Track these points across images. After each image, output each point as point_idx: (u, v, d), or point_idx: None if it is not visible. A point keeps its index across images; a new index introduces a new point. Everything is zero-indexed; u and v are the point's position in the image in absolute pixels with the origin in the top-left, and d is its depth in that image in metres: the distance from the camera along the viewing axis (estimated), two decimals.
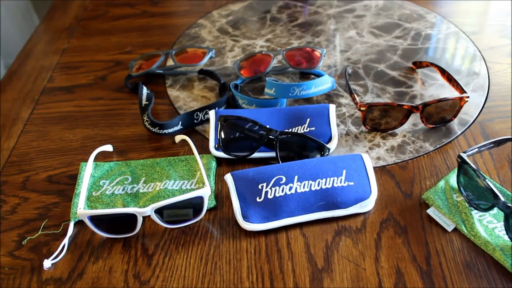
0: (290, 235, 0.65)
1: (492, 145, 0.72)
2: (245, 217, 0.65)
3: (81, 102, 0.91)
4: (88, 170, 0.73)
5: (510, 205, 0.59)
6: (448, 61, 0.96)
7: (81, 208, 0.66)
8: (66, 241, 0.65)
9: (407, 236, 0.64)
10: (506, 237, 0.62)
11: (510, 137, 0.74)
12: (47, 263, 0.63)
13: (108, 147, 0.78)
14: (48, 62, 1.02)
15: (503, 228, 0.61)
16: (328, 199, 0.65)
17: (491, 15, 1.13)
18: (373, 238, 0.64)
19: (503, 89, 0.89)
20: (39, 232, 0.67)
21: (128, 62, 0.98)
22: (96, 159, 0.76)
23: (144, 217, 0.65)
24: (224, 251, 0.63)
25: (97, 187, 0.72)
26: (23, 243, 0.66)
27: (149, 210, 0.63)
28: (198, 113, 0.81)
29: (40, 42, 1.10)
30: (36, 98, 0.92)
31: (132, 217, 0.63)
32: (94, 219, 0.64)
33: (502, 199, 0.60)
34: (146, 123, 0.80)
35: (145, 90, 0.86)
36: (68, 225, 0.67)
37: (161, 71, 0.96)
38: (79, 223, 0.68)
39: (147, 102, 0.84)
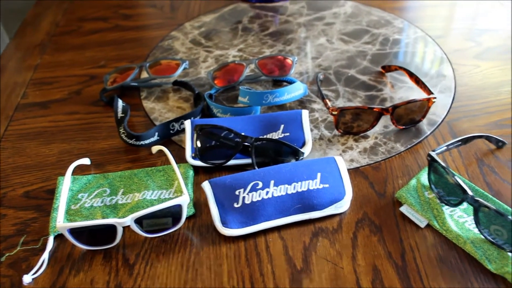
0: (268, 239, 0.66)
1: (460, 143, 0.75)
2: (223, 223, 0.66)
3: (56, 117, 0.91)
4: (66, 184, 0.73)
5: (478, 199, 0.61)
6: (416, 64, 0.99)
7: (60, 222, 0.66)
8: (46, 255, 0.65)
9: (382, 234, 0.66)
10: (476, 230, 0.64)
11: (476, 134, 0.76)
12: (27, 278, 0.62)
13: (85, 161, 0.78)
14: (21, 78, 1.02)
15: (473, 222, 0.64)
16: (304, 201, 0.67)
17: (456, 20, 1.16)
18: (349, 238, 0.66)
19: (469, 89, 0.92)
20: (18, 248, 0.67)
21: (103, 76, 0.99)
22: (74, 172, 0.77)
23: (124, 228, 0.66)
24: (205, 258, 0.64)
25: (75, 200, 0.72)
26: (1, 259, 0.66)
27: (128, 220, 0.63)
28: (174, 123, 0.82)
29: (11, 59, 1.10)
30: (10, 115, 0.92)
31: (112, 228, 0.64)
32: (73, 232, 0.64)
33: (471, 193, 0.62)
34: (122, 135, 0.80)
35: (120, 103, 0.87)
36: (48, 239, 0.67)
37: (135, 84, 0.97)
38: (59, 237, 0.68)
39: (123, 115, 0.84)
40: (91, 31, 1.18)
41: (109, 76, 0.96)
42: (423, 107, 0.81)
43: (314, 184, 0.68)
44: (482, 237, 0.63)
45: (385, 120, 0.83)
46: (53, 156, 0.82)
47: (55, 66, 1.06)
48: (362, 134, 0.82)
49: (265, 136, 0.78)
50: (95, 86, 0.98)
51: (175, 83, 0.96)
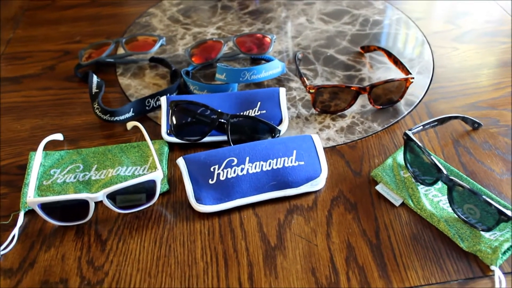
0: (243, 216, 0.66)
1: (436, 123, 0.75)
2: (198, 200, 0.65)
3: (29, 92, 0.89)
4: (37, 159, 0.71)
5: (452, 178, 0.62)
6: (395, 45, 0.99)
7: (31, 197, 0.65)
8: (16, 231, 0.64)
9: (357, 212, 0.66)
10: (449, 209, 0.65)
11: (453, 115, 0.77)
12: None
13: (58, 136, 0.76)
14: None
15: (447, 201, 0.64)
16: (279, 178, 0.67)
17: (436, 2, 1.16)
18: (324, 215, 0.66)
19: (447, 71, 0.92)
20: None
21: (78, 51, 0.97)
22: (46, 148, 0.75)
23: (96, 203, 0.65)
24: (178, 234, 0.64)
25: (47, 176, 0.71)
26: None
27: (101, 195, 0.62)
28: (150, 99, 0.81)
29: None
30: None
31: (84, 203, 0.63)
32: (45, 207, 0.63)
33: (445, 172, 0.62)
34: (97, 110, 0.79)
35: (95, 78, 0.85)
36: (18, 215, 0.66)
37: (111, 60, 0.95)
38: (30, 213, 0.67)
39: (97, 90, 0.83)
40: (66, 6, 1.15)
41: (84, 51, 0.94)
42: (401, 87, 0.81)
43: (289, 161, 0.67)
44: (456, 216, 0.64)
45: (363, 99, 0.83)
46: (25, 132, 0.80)
47: (28, 41, 1.03)
48: (339, 113, 0.82)
49: (241, 113, 0.77)
50: (69, 62, 0.96)
51: (152, 59, 0.95)
